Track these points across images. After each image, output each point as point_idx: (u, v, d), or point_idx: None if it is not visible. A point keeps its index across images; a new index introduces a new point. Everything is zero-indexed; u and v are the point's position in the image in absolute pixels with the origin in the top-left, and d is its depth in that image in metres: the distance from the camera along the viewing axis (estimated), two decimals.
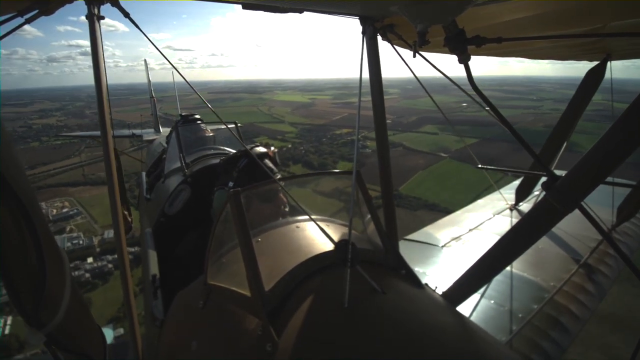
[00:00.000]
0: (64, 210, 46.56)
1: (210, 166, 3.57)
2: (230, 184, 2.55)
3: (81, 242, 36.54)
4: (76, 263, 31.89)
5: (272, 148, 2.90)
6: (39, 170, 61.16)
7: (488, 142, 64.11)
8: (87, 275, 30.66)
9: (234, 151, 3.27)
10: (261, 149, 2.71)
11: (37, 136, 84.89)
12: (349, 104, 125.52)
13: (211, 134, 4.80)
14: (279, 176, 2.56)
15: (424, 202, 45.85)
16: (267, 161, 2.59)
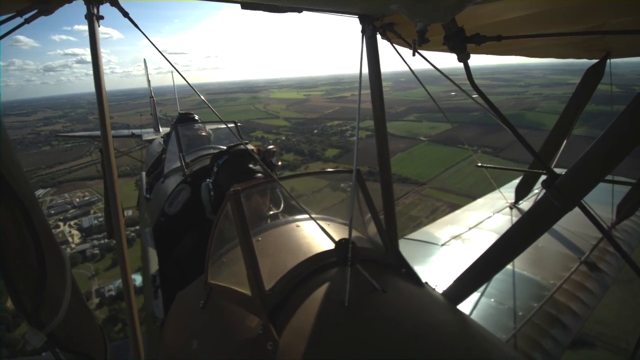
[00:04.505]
0: (86, 198, 54.36)
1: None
2: (212, 178, 2.57)
3: None
4: (104, 234, 38.70)
5: (271, 147, 2.88)
6: (56, 169, 69.49)
7: (466, 125, 71.63)
8: (114, 241, 36.89)
9: None
10: (249, 146, 2.69)
11: (47, 141, 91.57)
12: (342, 98, 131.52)
13: (210, 134, 4.80)
14: (259, 174, 2.53)
15: (398, 176, 52.76)
16: (251, 163, 2.56)
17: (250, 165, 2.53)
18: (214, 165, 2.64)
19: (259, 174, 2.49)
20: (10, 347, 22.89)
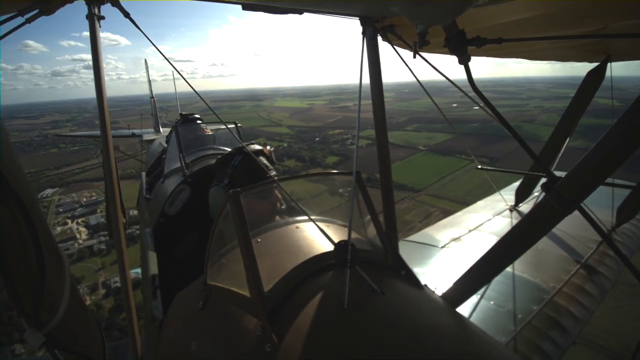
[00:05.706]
0: (93, 198, 56.61)
1: (210, 166, 3.57)
2: (226, 180, 2.56)
3: None
4: None
5: (269, 147, 2.92)
6: (64, 170, 72.43)
7: (464, 136, 73.79)
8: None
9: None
10: (256, 147, 2.73)
11: (54, 144, 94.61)
12: (344, 107, 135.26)
13: (211, 135, 4.80)
14: (274, 173, 2.57)
15: (395, 183, 55.24)
16: (261, 158, 2.60)
17: (266, 163, 2.57)
18: (226, 167, 2.64)
19: (273, 172, 2.54)
20: (21, 331, 23.46)
